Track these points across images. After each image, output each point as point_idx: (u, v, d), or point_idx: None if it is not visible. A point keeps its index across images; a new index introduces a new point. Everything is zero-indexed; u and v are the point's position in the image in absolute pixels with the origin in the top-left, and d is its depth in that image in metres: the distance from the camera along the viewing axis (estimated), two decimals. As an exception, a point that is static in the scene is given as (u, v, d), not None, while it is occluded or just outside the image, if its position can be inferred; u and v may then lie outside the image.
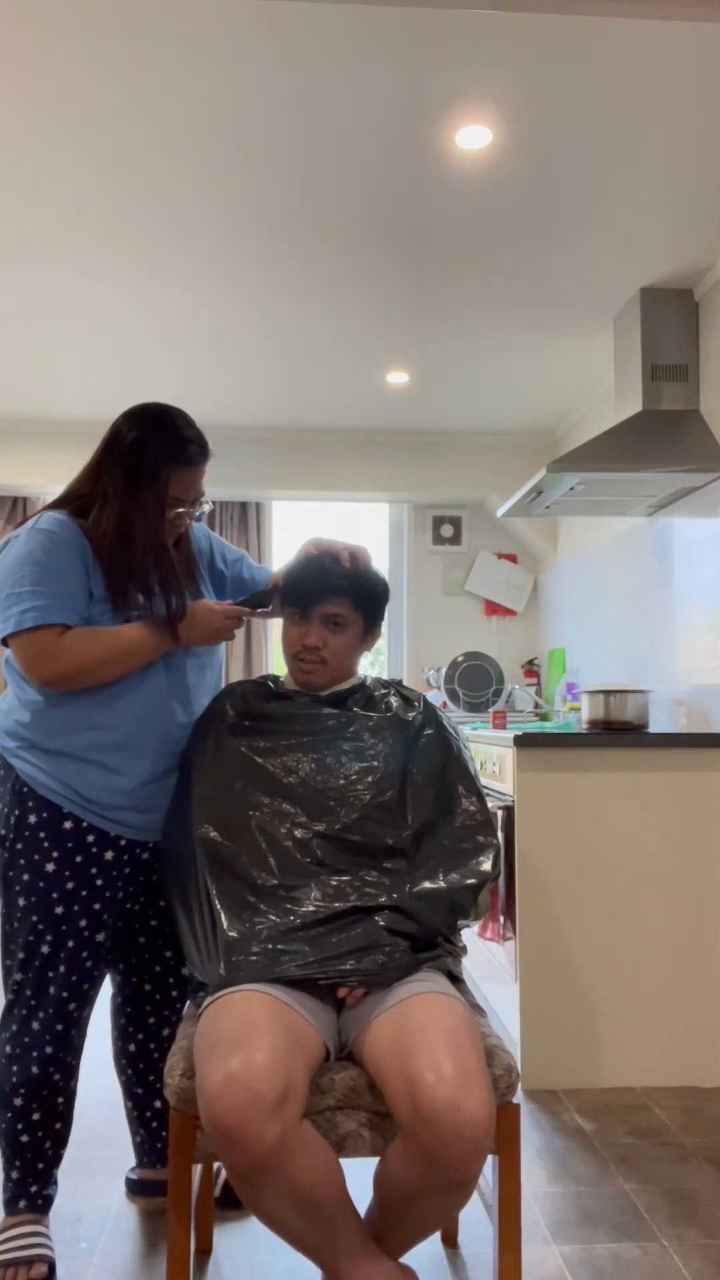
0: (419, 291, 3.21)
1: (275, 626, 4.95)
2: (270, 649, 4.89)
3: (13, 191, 2.59)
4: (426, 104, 2.23)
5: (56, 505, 1.78)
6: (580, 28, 1.98)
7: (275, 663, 4.93)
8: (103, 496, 1.75)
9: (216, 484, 4.68)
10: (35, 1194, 1.71)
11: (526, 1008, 2.64)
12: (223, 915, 1.50)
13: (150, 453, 1.75)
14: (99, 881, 1.73)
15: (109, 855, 1.74)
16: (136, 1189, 1.99)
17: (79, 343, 3.65)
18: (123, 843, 1.75)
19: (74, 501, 1.78)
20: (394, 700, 1.78)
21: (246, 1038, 1.27)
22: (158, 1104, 1.94)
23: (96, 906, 1.73)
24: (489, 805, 1.72)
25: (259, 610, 1.86)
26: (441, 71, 2.11)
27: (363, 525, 5.12)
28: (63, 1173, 2.09)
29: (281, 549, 5.02)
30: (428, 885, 1.55)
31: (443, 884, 1.56)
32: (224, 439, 4.70)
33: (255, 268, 3.04)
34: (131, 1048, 1.93)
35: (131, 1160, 2.12)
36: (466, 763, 1.72)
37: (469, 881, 1.57)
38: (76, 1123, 2.33)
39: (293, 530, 5.10)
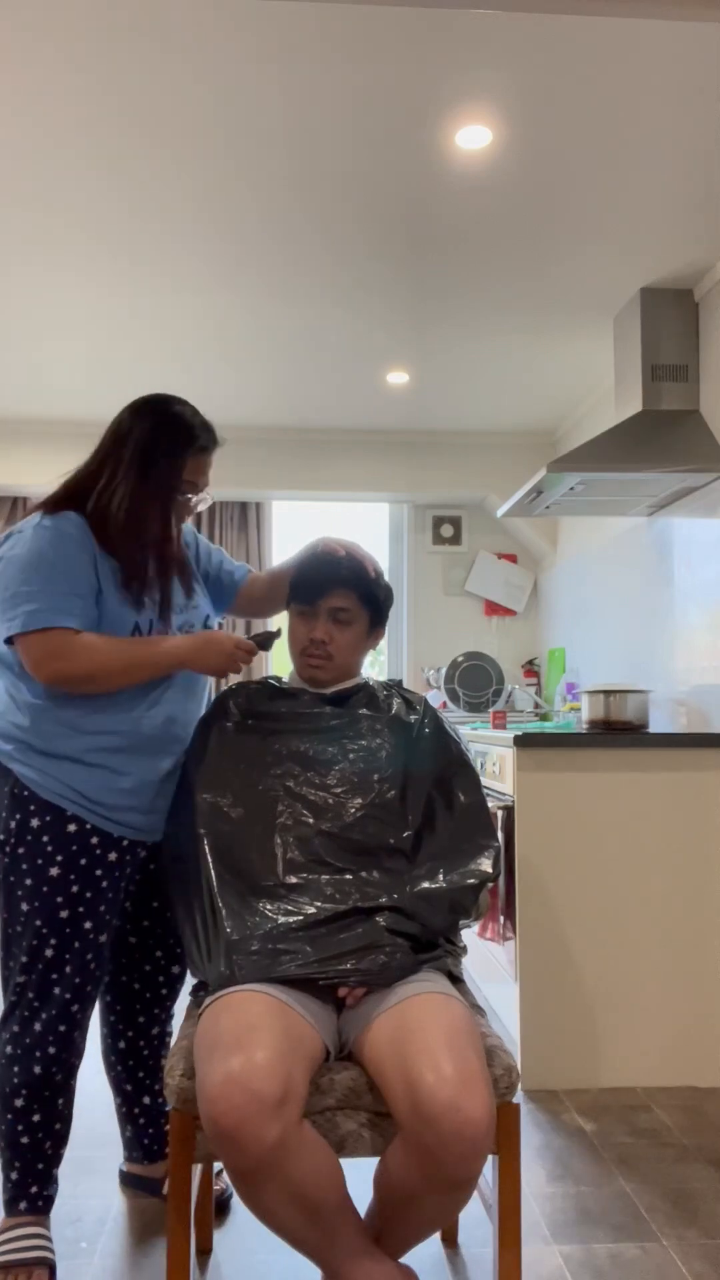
0: (419, 291, 3.21)
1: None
2: (271, 651, 4.89)
3: (12, 193, 2.59)
4: (426, 104, 2.23)
5: (57, 503, 1.75)
6: (580, 28, 1.98)
7: (276, 664, 4.93)
8: (109, 483, 1.74)
9: (216, 484, 4.65)
10: (36, 1194, 1.71)
11: (526, 1008, 2.64)
12: (224, 914, 1.50)
13: (164, 438, 1.76)
14: (104, 883, 1.73)
15: (112, 856, 1.73)
16: (126, 1181, 2.02)
17: (79, 343, 3.65)
18: (125, 843, 1.75)
19: (76, 496, 1.75)
20: (396, 702, 1.78)
21: (246, 1038, 1.27)
22: (146, 1100, 1.95)
23: (101, 908, 1.73)
24: (489, 805, 1.72)
25: (262, 649, 1.86)
26: (441, 71, 2.11)
27: (363, 525, 5.12)
28: (62, 1173, 2.09)
29: (281, 549, 5.01)
30: (428, 885, 1.55)
31: (443, 884, 1.56)
32: (224, 439, 4.69)
33: (255, 268, 3.04)
34: (121, 1045, 1.94)
35: None
36: (467, 763, 1.72)
37: (469, 882, 1.57)
38: (76, 1123, 2.33)
39: (293, 530, 5.09)
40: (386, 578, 1.85)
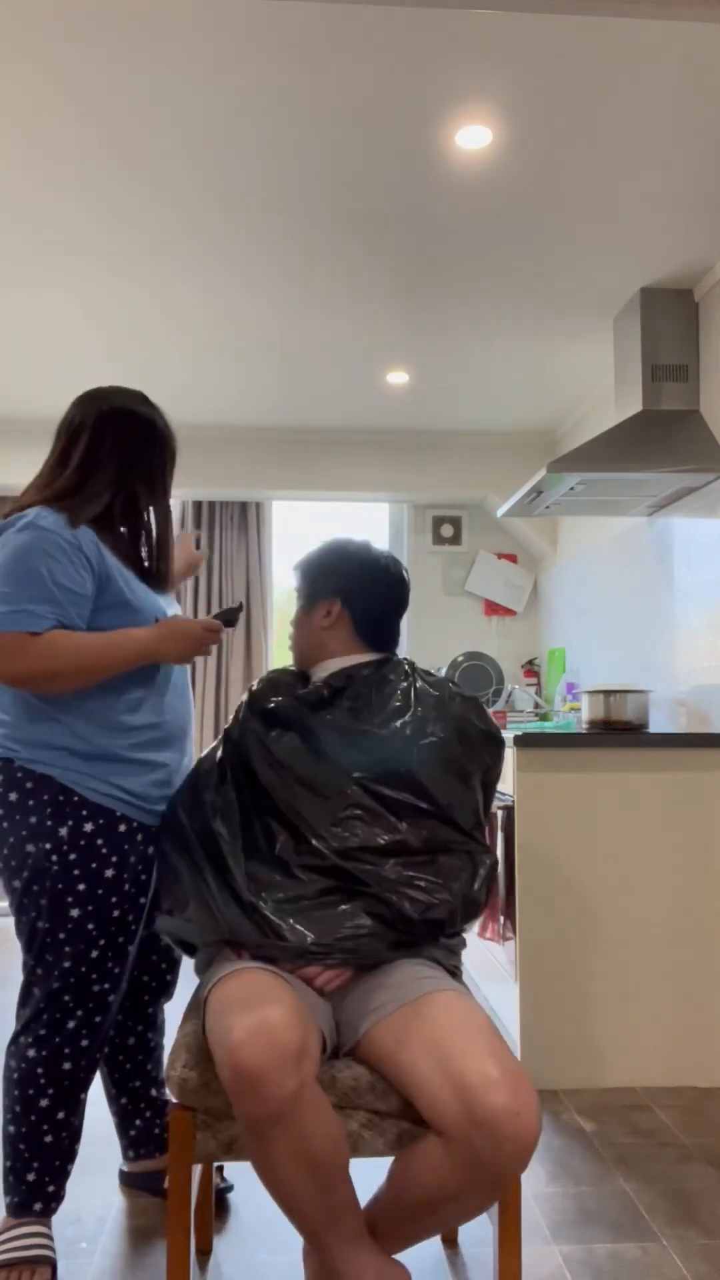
0: (419, 291, 3.21)
1: (275, 628, 4.96)
2: (270, 649, 4.89)
3: (12, 192, 2.59)
4: (426, 104, 2.23)
5: (49, 500, 1.75)
6: (580, 28, 1.98)
7: (275, 662, 4.93)
8: (148, 501, 1.82)
9: (217, 484, 4.69)
10: (52, 1194, 1.69)
11: (526, 1008, 2.64)
12: (235, 876, 1.53)
13: (166, 436, 1.85)
14: (144, 876, 1.75)
15: (150, 850, 1.76)
16: (126, 1181, 2.01)
17: (78, 343, 3.65)
18: (153, 831, 1.78)
19: (90, 502, 1.75)
20: (420, 689, 1.72)
21: (264, 996, 1.31)
22: (153, 1092, 1.96)
23: (142, 901, 1.75)
24: (491, 806, 1.72)
25: (228, 625, 1.86)
26: (441, 71, 2.11)
27: (363, 525, 5.12)
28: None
29: (281, 549, 5.01)
30: (423, 898, 1.54)
31: (435, 900, 1.54)
32: (224, 439, 4.70)
33: (255, 267, 3.04)
34: (131, 1041, 1.94)
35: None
36: (487, 769, 1.68)
37: (466, 893, 1.57)
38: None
39: (293, 530, 5.09)
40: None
